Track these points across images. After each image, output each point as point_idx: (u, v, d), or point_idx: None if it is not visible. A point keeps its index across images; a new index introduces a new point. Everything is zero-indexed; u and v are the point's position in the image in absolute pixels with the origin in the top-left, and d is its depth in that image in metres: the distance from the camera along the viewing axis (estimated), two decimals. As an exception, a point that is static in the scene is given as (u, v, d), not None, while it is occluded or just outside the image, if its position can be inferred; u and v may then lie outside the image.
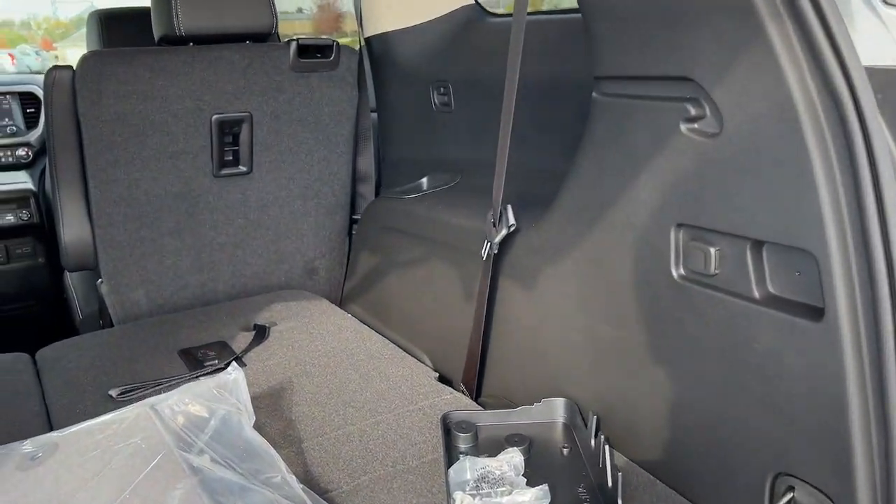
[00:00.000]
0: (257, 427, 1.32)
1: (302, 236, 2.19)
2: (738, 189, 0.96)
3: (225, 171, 2.01)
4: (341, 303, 2.23)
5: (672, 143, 1.05)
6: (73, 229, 1.91)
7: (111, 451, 1.05)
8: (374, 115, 2.27)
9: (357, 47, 2.13)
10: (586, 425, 1.30)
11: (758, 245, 0.97)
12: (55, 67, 1.81)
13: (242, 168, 2.03)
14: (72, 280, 2.54)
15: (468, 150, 1.91)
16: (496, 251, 1.43)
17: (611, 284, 1.22)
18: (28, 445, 1.09)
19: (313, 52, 2.03)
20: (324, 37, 2.05)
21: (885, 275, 0.83)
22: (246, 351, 1.71)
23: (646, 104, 1.10)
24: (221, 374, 1.32)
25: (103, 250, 1.92)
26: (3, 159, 3.48)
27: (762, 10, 0.85)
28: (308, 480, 1.21)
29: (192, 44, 1.90)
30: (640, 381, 1.19)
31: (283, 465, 1.14)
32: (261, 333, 1.79)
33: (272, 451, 1.17)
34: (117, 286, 1.97)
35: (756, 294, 0.98)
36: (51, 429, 1.38)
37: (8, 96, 3.54)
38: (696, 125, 1.02)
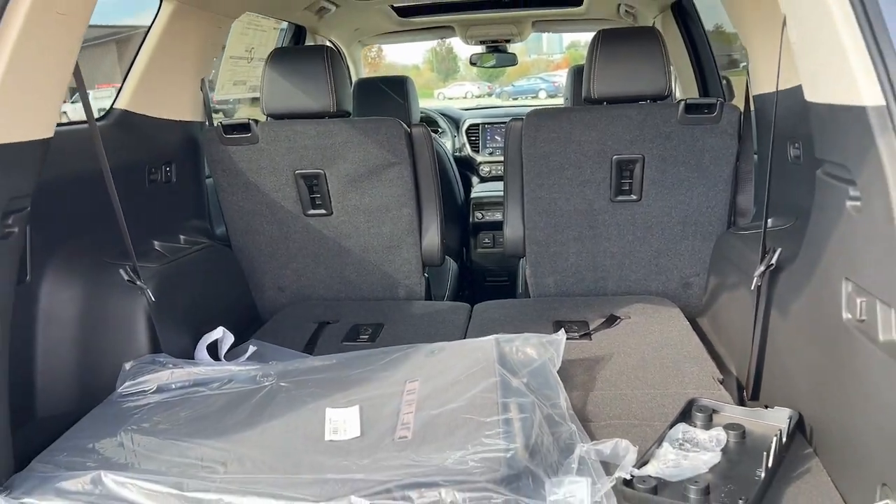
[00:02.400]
0: (568, 374, 1.97)
1: (680, 255, 2.69)
2: None
3: (620, 198, 2.64)
4: (700, 312, 2.66)
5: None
6: (512, 229, 2.78)
7: (464, 358, 1.83)
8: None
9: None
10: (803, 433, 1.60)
11: None
12: (513, 119, 2.69)
13: (633, 196, 2.64)
14: (521, 265, 3.49)
15: (806, 198, 2.18)
16: (759, 283, 1.79)
17: (819, 323, 1.52)
18: (431, 347, 1.96)
19: (701, 108, 2.52)
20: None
21: None
22: (597, 329, 2.35)
23: None
24: (553, 335, 2.00)
25: (529, 245, 2.75)
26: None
27: None
28: (579, 410, 1.81)
29: (605, 103, 2.58)
30: (832, 399, 1.47)
31: (563, 394, 1.78)
32: (611, 320, 2.40)
33: (560, 385, 1.81)
34: (535, 272, 2.79)
35: None
36: None
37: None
38: None
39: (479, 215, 4.20)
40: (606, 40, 2.54)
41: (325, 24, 3.81)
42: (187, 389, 1.85)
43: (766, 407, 1.79)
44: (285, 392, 1.81)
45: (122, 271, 1.96)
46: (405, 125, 2.65)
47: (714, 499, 1.43)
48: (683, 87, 3.63)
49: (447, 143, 4.94)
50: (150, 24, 2.43)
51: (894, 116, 1.15)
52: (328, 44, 4.23)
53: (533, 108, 5.73)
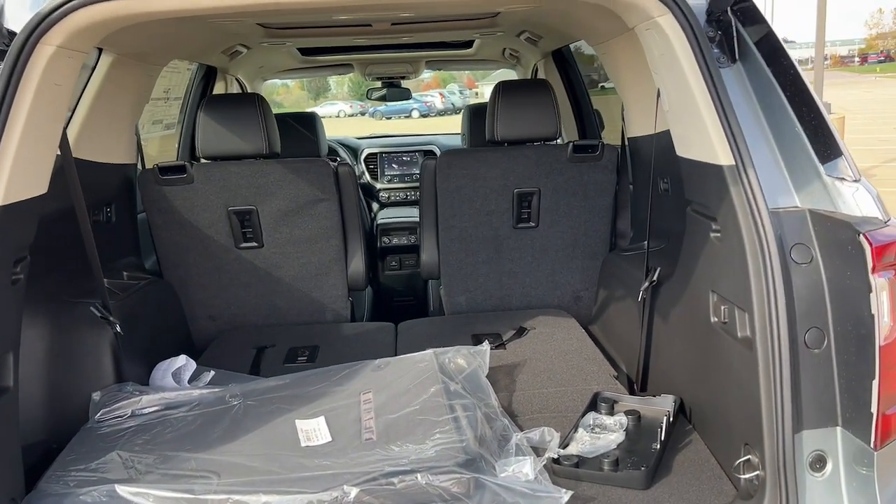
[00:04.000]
0: (492, 379, 2.32)
1: (571, 273, 3.12)
2: None
3: (521, 225, 3.04)
4: (591, 321, 3.10)
5: None
6: (428, 254, 3.12)
7: (409, 370, 2.15)
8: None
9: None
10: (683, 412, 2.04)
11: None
12: (427, 158, 3.04)
13: (532, 223, 3.04)
14: (431, 285, 3.84)
15: (674, 223, 2.66)
16: (646, 296, 2.23)
17: (693, 326, 1.95)
18: (377, 363, 2.26)
19: (586, 148, 2.96)
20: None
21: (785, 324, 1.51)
22: (510, 340, 2.72)
23: None
24: (479, 346, 2.35)
25: (443, 268, 3.10)
26: (409, 197, 5.06)
27: None
28: (506, 407, 2.17)
29: (506, 144, 2.98)
30: (705, 385, 1.91)
31: (493, 395, 2.13)
32: (521, 332, 2.78)
33: (490, 388, 2.16)
34: (449, 291, 3.13)
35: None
36: None
37: (417, 153, 5.11)
38: None
39: (386, 240, 4.52)
40: (506, 91, 2.95)
41: (235, 64, 4.01)
42: (162, 412, 2.04)
43: (654, 396, 2.22)
44: (254, 409, 2.05)
45: (92, 308, 2.13)
46: (332, 165, 2.93)
47: (622, 468, 1.82)
48: (565, 125, 4.11)
49: (347, 171, 5.23)
50: (89, 75, 2.59)
51: (741, 173, 1.58)
52: (236, 81, 4.43)
53: (421, 135, 6.07)
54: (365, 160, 5.28)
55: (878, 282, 1.45)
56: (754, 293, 1.56)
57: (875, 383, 1.46)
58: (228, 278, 2.99)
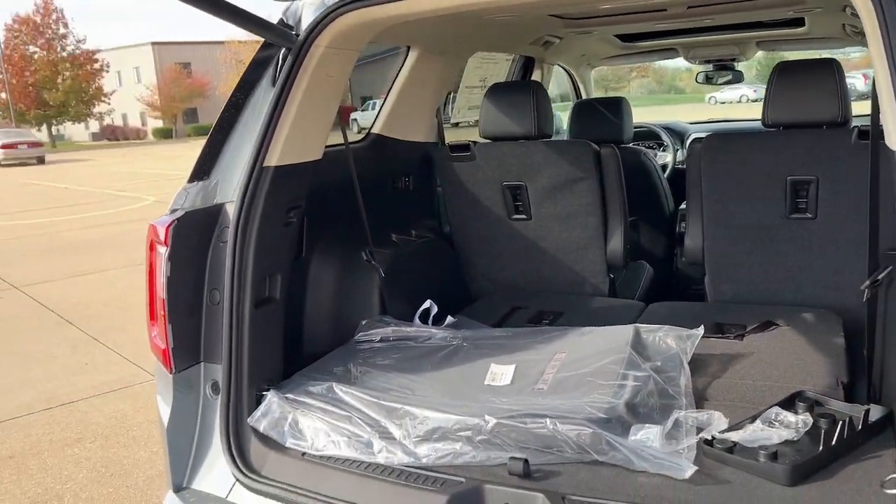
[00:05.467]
0: (705, 364, 2.32)
1: (859, 274, 2.78)
2: None
3: (795, 216, 2.84)
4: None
5: None
6: (692, 239, 3.11)
7: (605, 339, 2.29)
8: None
9: None
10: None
11: None
12: (693, 141, 3.02)
13: (809, 215, 2.83)
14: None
15: None
16: (868, 296, 2.00)
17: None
18: (585, 329, 2.43)
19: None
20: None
21: None
22: (750, 332, 2.61)
23: None
24: (692, 330, 2.36)
25: (707, 256, 3.06)
26: None
27: None
28: (699, 391, 2.16)
29: (781, 128, 2.82)
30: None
31: (686, 376, 2.15)
32: (765, 326, 2.64)
33: (686, 370, 2.18)
34: (713, 280, 3.08)
35: None
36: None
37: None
38: None
39: (685, 226, 4.46)
40: (783, 71, 2.78)
41: (551, 53, 4.36)
42: (400, 342, 2.52)
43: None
44: (466, 350, 2.41)
45: (362, 253, 2.70)
46: (595, 146, 3.11)
47: (780, 463, 1.74)
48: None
49: (668, 156, 5.23)
50: (399, 68, 3.18)
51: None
52: (557, 68, 4.78)
53: (757, 119, 5.71)
54: (690, 144, 5.21)
55: None
56: None
57: None
58: (503, 246, 3.38)
